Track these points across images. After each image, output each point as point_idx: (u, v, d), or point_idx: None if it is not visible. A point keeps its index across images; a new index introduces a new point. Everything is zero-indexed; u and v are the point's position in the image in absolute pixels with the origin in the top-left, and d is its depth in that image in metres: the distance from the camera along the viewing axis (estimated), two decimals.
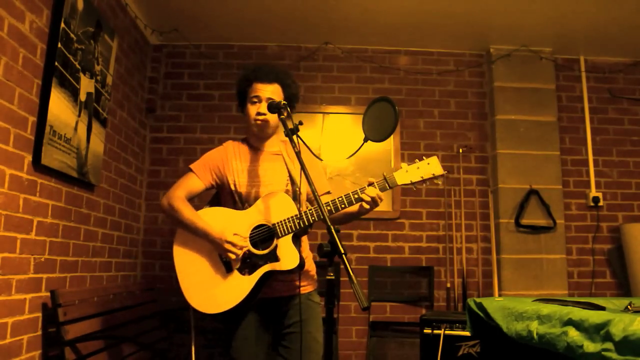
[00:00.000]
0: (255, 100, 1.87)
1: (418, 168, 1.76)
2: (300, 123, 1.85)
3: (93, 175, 2.68)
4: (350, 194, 1.74)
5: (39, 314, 2.18)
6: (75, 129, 2.47)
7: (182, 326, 3.26)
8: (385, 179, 1.76)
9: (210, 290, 1.77)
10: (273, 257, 1.75)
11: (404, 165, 1.77)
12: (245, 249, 1.75)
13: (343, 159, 3.66)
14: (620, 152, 3.88)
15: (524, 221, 3.57)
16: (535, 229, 3.58)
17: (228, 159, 1.90)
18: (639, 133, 3.92)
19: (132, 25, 3.33)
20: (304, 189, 1.91)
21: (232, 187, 1.86)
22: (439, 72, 3.90)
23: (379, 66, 3.88)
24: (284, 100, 1.85)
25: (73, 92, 2.41)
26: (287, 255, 1.73)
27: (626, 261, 3.55)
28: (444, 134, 3.83)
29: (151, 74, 3.72)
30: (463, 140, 3.82)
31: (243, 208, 1.84)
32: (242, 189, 1.85)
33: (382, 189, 1.74)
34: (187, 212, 1.82)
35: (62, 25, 2.27)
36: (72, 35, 2.37)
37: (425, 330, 2.80)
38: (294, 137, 1.65)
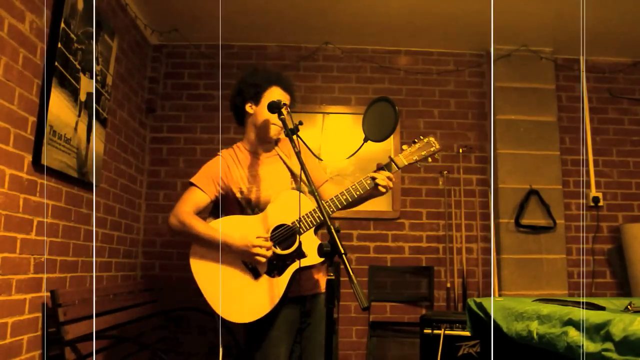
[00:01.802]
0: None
1: (419, 148, 1.86)
2: (300, 123, 1.85)
3: (93, 175, 2.68)
4: (363, 180, 1.80)
5: (39, 314, 2.18)
6: (75, 129, 2.47)
7: (181, 325, 3.26)
8: (392, 160, 1.83)
9: (243, 300, 1.75)
10: (300, 254, 1.76)
11: (405, 147, 1.87)
12: (271, 251, 1.75)
13: (343, 159, 3.66)
14: (620, 152, 3.88)
15: (524, 221, 3.57)
16: (535, 229, 3.58)
17: (229, 168, 1.89)
18: (639, 133, 3.92)
19: (132, 25, 3.33)
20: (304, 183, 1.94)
21: (239, 195, 1.85)
22: (439, 72, 3.90)
23: (379, 66, 3.88)
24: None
25: (73, 92, 2.41)
26: (314, 250, 1.71)
27: (626, 261, 3.55)
28: (444, 134, 3.83)
29: (151, 74, 3.72)
30: (463, 140, 3.82)
31: (253, 213, 1.84)
32: (250, 195, 1.84)
33: (392, 171, 1.83)
34: (200, 226, 1.79)
35: (62, 25, 2.27)
36: (72, 35, 2.37)
37: (425, 330, 2.80)
38: (294, 137, 1.66)
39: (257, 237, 1.73)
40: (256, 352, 1.79)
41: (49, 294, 2.18)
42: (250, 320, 1.73)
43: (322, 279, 1.88)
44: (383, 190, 1.80)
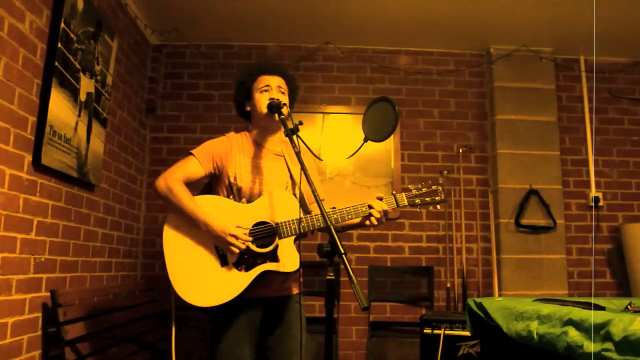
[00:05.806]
0: (266, 89, 1.85)
1: (424, 193, 1.84)
2: (300, 123, 1.84)
3: (93, 175, 2.68)
4: (359, 206, 1.75)
5: (39, 314, 2.18)
6: (75, 129, 2.47)
7: (181, 325, 3.25)
8: (394, 196, 1.80)
9: (202, 282, 1.71)
10: (273, 256, 1.73)
11: (411, 186, 1.84)
12: (247, 244, 1.71)
13: (343, 159, 3.66)
14: (620, 152, 3.89)
15: (524, 221, 3.57)
16: (535, 229, 3.58)
17: (232, 150, 1.85)
18: (639, 133, 3.92)
19: (132, 25, 3.34)
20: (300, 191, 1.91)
21: (232, 180, 1.81)
22: (439, 72, 3.90)
23: (379, 66, 3.88)
24: (288, 92, 1.90)
25: (73, 92, 2.41)
26: (288, 258, 1.72)
27: (626, 261, 3.55)
28: (444, 134, 3.83)
29: (151, 74, 3.72)
30: (463, 140, 3.82)
31: (239, 202, 1.81)
32: (242, 183, 1.81)
33: (389, 206, 1.78)
34: (186, 197, 1.73)
35: (62, 25, 2.27)
36: (72, 35, 2.37)
37: (425, 330, 2.80)
38: (294, 137, 1.65)
39: (237, 227, 1.69)
40: (220, 353, 1.75)
41: (49, 294, 2.18)
42: (203, 304, 1.68)
43: (293, 283, 1.86)
44: (375, 222, 1.75)
